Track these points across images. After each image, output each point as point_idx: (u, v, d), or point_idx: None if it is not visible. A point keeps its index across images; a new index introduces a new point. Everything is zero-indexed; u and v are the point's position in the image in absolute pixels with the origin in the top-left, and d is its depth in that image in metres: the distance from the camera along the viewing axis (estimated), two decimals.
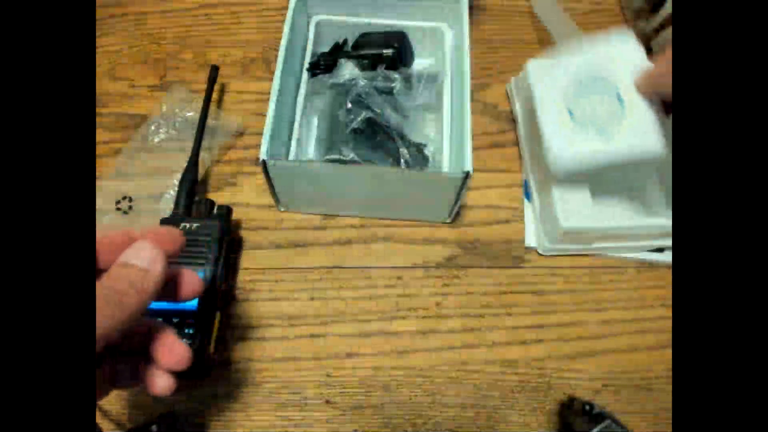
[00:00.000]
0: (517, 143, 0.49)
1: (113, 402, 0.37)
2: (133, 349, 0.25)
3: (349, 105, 0.44)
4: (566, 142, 0.39)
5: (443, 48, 0.49)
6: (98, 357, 0.23)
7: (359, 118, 0.43)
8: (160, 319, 0.26)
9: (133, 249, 0.23)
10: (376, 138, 0.43)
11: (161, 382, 0.25)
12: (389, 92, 0.46)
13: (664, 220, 0.41)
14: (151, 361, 0.25)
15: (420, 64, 0.51)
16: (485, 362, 0.40)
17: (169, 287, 0.25)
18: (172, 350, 0.25)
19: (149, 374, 0.25)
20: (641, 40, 0.40)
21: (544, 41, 0.55)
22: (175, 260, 0.24)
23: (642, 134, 0.38)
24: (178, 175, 0.43)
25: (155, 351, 0.25)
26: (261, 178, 0.40)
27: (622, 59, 0.40)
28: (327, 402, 0.38)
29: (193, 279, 0.26)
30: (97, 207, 0.43)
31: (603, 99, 0.40)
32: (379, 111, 0.44)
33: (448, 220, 0.45)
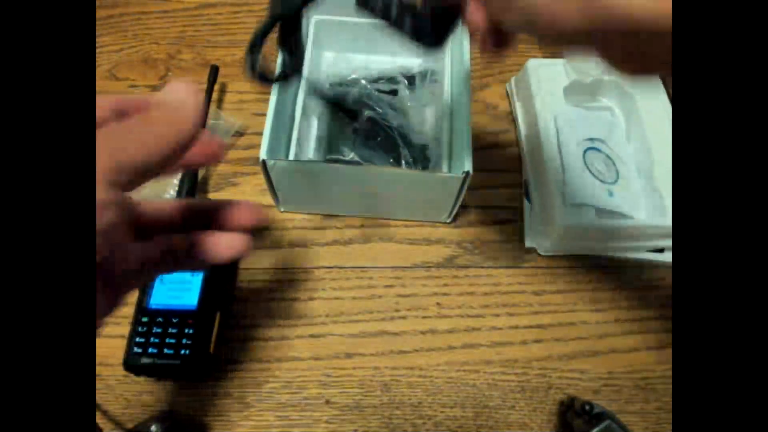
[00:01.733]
0: (517, 143, 0.49)
1: (113, 402, 0.37)
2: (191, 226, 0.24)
3: (351, 104, 0.44)
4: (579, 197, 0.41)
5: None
6: (147, 228, 0.23)
7: (361, 118, 0.43)
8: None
9: (168, 87, 0.21)
10: (378, 138, 0.43)
11: (232, 241, 0.23)
12: (391, 93, 0.46)
13: (664, 220, 0.41)
14: (211, 233, 0.24)
15: (420, 64, 0.51)
16: (485, 362, 0.40)
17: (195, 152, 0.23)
18: (244, 208, 0.23)
19: (212, 242, 0.23)
20: None
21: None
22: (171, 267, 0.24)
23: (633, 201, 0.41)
24: (179, 175, 0.43)
25: (222, 217, 0.23)
26: (261, 178, 0.40)
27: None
28: (327, 402, 0.38)
29: (213, 140, 0.24)
30: None
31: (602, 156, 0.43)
32: (380, 111, 0.44)
33: (448, 220, 0.45)
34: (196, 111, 0.20)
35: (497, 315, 0.42)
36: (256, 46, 0.28)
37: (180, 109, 0.20)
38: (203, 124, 0.21)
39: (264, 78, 0.30)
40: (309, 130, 0.46)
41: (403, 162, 0.42)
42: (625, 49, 0.21)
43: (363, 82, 0.44)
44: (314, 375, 0.39)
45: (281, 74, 0.34)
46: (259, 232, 0.44)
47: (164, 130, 0.19)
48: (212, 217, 0.24)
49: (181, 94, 0.20)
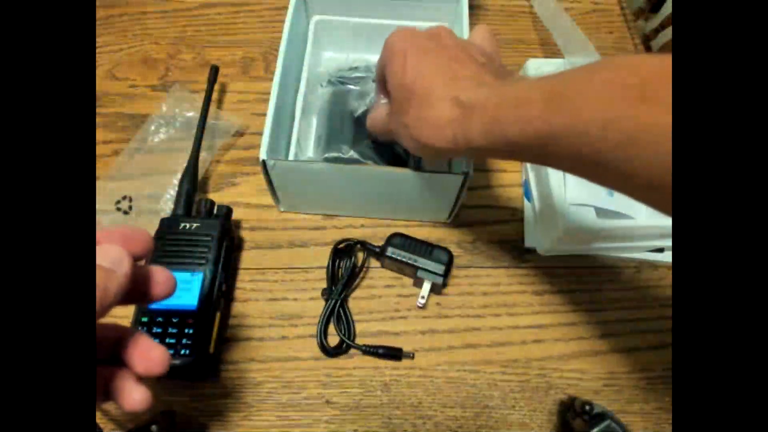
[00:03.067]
0: None
1: (113, 402, 0.37)
2: (103, 359, 0.24)
3: (355, 95, 0.44)
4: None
5: None
6: None
7: (362, 108, 0.43)
8: (132, 326, 0.25)
9: (100, 250, 0.22)
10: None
11: (136, 395, 0.23)
12: None
13: (664, 220, 0.41)
14: (123, 374, 0.24)
15: None
16: (485, 362, 0.40)
17: (141, 289, 0.24)
18: (149, 353, 0.24)
19: (122, 387, 0.24)
20: (641, 40, 0.41)
21: (544, 41, 0.55)
22: (169, 261, 0.24)
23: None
24: (178, 175, 0.43)
25: (129, 357, 0.24)
26: (261, 178, 0.40)
27: None
28: (327, 402, 0.38)
29: (163, 277, 0.25)
30: (97, 207, 0.43)
31: None
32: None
33: (448, 220, 0.45)
34: (121, 285, 0.21)
35: (497, 315, 0.42)
36: None
37: (101, 283, 0.21)
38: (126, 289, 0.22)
39: None
40: (309, 130, 0.46)
41: (412, 162, 0.42)
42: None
43: (364, 79, 0.45)
44: (314, 375, 0.39)
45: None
46: (259, 232, 0.44)
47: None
48: (119, 354, 0.24)
49: (109, 263, 0.21)
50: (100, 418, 0.37)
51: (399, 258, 0.41)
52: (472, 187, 0.39)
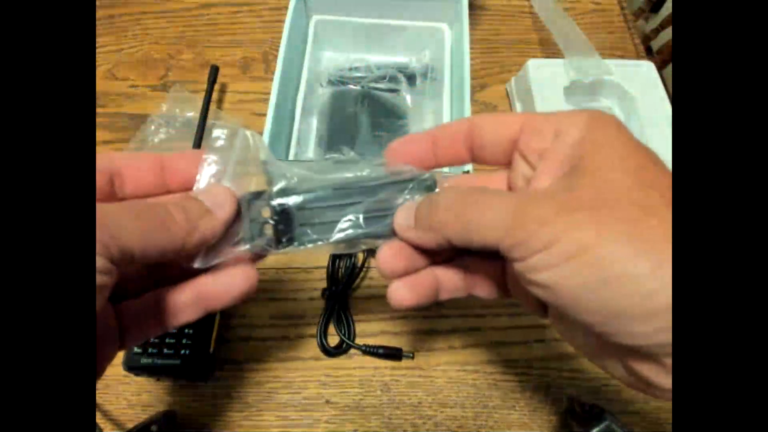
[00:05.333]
0: None
1: (113, 402, 0.37)
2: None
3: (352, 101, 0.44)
4: None
5: (443, 48, 0.49)
6: (137, 277, 0.22)
7: (362, 116, 0.43)
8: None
9: (208, 188, 0.21)
10: (380, 135, 0.43)
11: (238, 275, 0.21)
12: (391, 92, 0.46)
13: None
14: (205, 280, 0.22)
15: (420, 64, 0.51)
16: (485, 362, 0.40)
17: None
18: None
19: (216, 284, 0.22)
20: (641, 40, 0.41)
21: (544, 41, 0.55)
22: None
23: None
24: None
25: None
26: (261, 179, 0.40)
27: None
28: (327, 402, 0.38)
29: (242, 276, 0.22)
30: None
31: None
32: (381, 109, 0.44)
33: None
34: (213, 230, 0.20)
35: (498, 315, 0.42)
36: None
37: (201, 221, 0.20)
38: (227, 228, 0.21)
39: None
40: (309, 130, 0.46)
41: None
42: None
43: (364, 79, 0.45)
44: (314, 375, 0.39)
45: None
46: None
47: (171, 235, 0.19)
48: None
49: (218, 199, 0.21)
50: (100, 419, 0.37)
51: None
52: None
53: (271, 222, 0.22)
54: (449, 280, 0.23)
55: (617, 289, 0.15)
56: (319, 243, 0.22)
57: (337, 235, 0.22)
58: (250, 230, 0.22)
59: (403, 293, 0.22)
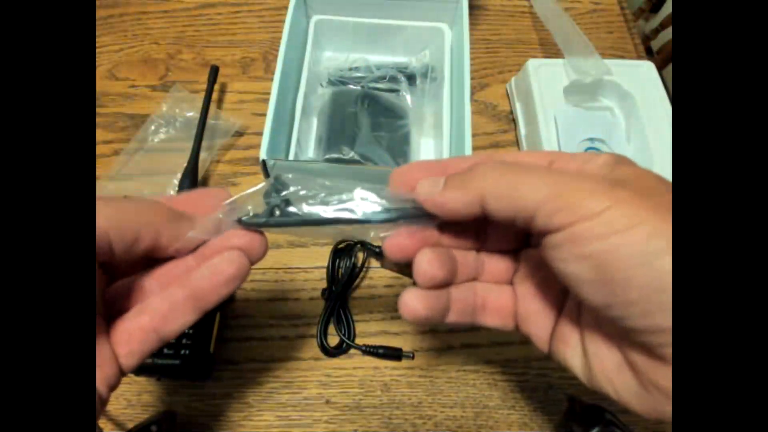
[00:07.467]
0: (517, 143, 0.49)
1: (113, 402, 0.37)
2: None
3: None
4: None
5: (443, 48, 0.49)
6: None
7: (362, 116, 0.43)
8: None
9: (224, 255, 0.22)
10: (380, 135, 0.43)
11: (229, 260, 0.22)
12: (391, 92, 0.46)
13: None
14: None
15: (420, 64, 0.51)
16: (485, 362, 0.40)
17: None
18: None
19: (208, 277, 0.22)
20: (641, 40, 0.41)
21: (544, 41, 0.55)
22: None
23: None
24: (178, 175, 0.43)
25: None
26: (261, 178, 0.40)
27: None
28: (327, 402, 0.38)
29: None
30: None
31: None
32: (381, 109, 0.44)
33: None
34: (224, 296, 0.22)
35: None
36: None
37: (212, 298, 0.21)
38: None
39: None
40: (309, 130, 0.46)
41: (402, 161, 0.42)
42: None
43: (364, 79, 0.45)
44: (314, 375, 0.39)
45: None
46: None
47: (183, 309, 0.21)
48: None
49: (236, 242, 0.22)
50: (100, 419, 0.37)
51: None
52: None
53: (269, 199, 0.22)
54: (461, 300, 0.23)
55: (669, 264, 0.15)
56: (315, 215, 0.22)
57: (336, 214, 0.22)
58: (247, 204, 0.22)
59: (415, 304, 0.22)
